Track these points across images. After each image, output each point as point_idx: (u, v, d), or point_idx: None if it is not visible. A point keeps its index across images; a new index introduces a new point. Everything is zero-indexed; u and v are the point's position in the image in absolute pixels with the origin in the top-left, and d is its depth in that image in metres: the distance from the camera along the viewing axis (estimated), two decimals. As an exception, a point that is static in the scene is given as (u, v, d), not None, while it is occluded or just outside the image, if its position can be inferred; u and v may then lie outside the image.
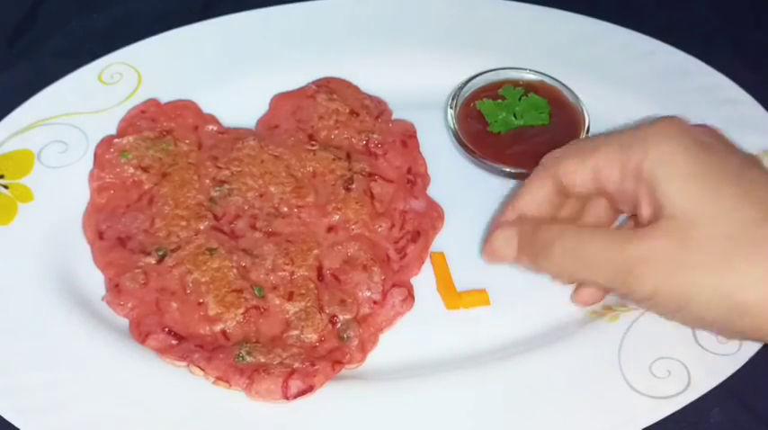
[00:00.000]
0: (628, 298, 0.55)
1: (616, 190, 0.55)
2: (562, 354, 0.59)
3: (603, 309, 0.61)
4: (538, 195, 0.58)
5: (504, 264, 0.59)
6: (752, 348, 0.58)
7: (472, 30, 0.76)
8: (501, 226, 0.59)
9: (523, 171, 0.67)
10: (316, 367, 0.57)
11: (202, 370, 0.56)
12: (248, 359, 0.57)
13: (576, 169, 0.56)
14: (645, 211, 0.53)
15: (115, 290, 0.61)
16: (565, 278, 0.58)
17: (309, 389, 0.56)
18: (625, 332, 0.59)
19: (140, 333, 0.59)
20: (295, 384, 0.56)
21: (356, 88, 0.72)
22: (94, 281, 0.62)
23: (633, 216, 0.58)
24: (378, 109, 0.71)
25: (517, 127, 0.69)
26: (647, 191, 0.53)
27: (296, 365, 0.57)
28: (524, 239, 0.57)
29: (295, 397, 0.56)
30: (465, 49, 0.74)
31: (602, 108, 0.70)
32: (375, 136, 0.69)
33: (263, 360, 0.57)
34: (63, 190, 0.65)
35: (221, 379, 0.56)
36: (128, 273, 0.61)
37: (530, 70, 0.71)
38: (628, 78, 0.72)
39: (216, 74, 0.72)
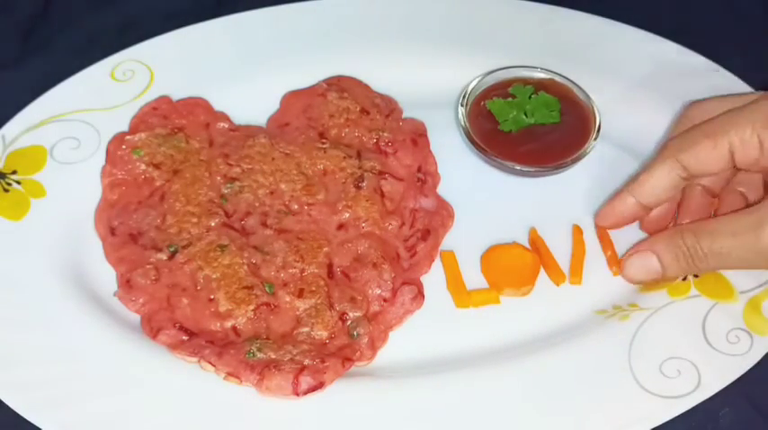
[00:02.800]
0: None
1: (755, 166, 0.56)
2: (572, 354, 0.59)
3: (614, 309, 0.61)
4: (663, 183, 0.59)
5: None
6: (762, 349, 0.58)
7: (483, 28, 0.75)
8: (636, 251, 0.60)
9: (534, 169, 0.67)
10: (326, 364, 0.57)
11: (213, 365, 0.57)
12: (259, 355, 0.57)
13: (708, 154, 0.57)
14: None
15: (127, 285, 0.61)
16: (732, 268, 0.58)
17: (319, 386, 0.56)
18: (635, 331, 0.59)
19: (152, 328, 0.59)
20: (305, 380, 0.56)
21: (367, 86, 0.72)
22: (106, 276, 0.62)
23: None
24: (388, 107, 0.71)
25: (528, 125, 0.68)
26: None
27: (306, 362, 0.57)
28: (685, 254, 0.58)
29: (305, 393, 0.56)
30: (475, 48, 0.74)
31: (612, 106, 0.70)
32: (385, 134, 0.69)
33: (273, 356, 0.57)
34: (75, 186, 0.66)
35: (232, 374, 0.56)
36: (139, 268, 0.61)
37: (540, 69, 0.71)
38: (638, 77, 0.72)
39: (227, 71, 0.72)
